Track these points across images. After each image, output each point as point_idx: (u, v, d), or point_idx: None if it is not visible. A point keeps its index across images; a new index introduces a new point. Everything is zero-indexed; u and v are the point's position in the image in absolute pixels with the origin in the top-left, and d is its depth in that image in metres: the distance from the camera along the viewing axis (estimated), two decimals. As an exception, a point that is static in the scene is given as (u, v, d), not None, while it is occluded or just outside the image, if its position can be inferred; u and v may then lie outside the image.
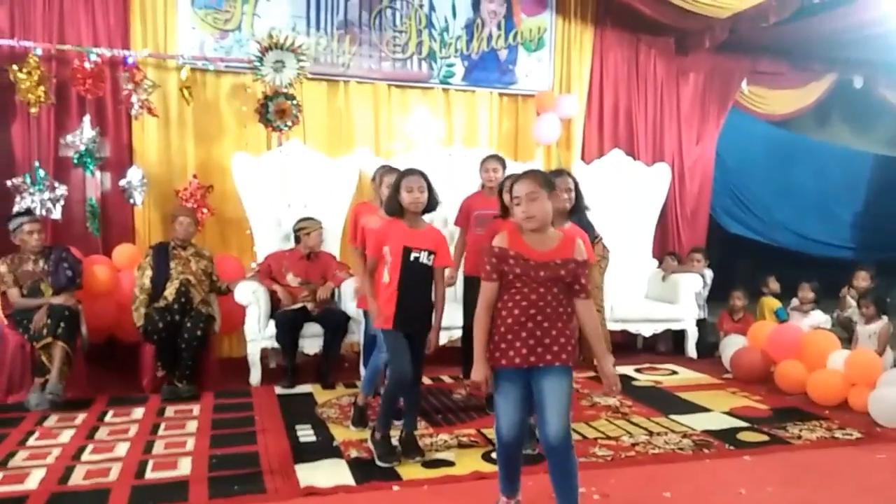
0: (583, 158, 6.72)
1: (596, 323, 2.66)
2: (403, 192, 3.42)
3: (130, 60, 5.43)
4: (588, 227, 3.93)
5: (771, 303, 6.26)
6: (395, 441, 3.55)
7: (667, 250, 6.80)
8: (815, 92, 7.51)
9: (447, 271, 3.85)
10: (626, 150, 6.74)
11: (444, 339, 5.01)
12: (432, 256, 3.47)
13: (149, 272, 4.92)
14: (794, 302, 5.99)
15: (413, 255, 3.42)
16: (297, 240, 5.32)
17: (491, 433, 3.82)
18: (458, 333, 4.90)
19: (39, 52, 5.19)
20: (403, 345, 3.45)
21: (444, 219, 5.41)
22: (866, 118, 8.24)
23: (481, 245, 4.40)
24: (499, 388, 2.64)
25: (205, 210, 5.59)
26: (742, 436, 3.96)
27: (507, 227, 2.72)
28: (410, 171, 3.50)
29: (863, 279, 6.07)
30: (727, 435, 3.96)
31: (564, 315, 2.60)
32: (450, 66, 6.42)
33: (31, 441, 3.80)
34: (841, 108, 8.20)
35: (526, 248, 2.59)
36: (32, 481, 3.21)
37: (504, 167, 4.70)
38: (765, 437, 3.93)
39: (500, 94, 6.65)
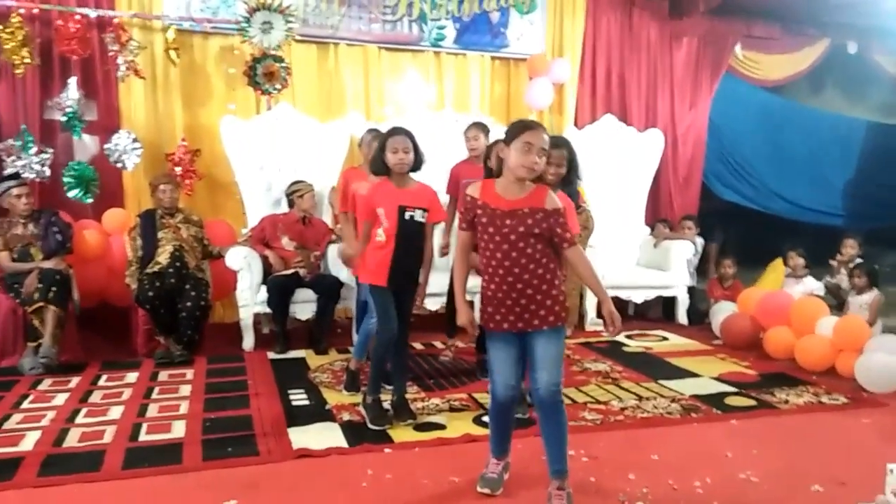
0: (575, 124, 6.69)
1: (589, 267, 2.66)
2: (389, 152, 3.41)
3: (115, 21, 5.33)
4: (572, 196, 3.91)
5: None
6: (386, 405, 3.58)
7: (658, 217, 6.82)
8: (809, 57, 7.46)
9: (438, 240, 3.86)
10: (618, 115, 6.71)
11: (436, 304, 5.04)
12: (426, 214, 3.47)
13: (139, 241, 4.90)
14: (787, 270, 6.04)
15: (408, 214, 3.42)
16: (291, 203, 5.29)
17: (482, 398, 3.87)
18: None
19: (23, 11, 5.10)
20: (391, 303, 3.48)
21: (434, 187, 5.38)
22: (860, 84, 8.19)
23: None
24: (492, 348, 2.67)
25: (192, 176, 5.54)
26: (730, 400, 4.01)
27: (486, 180, 2.73)
28: (395, 131, 3.48)
29: (850, 247, 6.10)
30: (715, 400, 4.01)
31: (548, 275, 2.59)
32: (441, 28, 6.34)
33: (26, 404, 3.81)
34: (835, 74, 8.14)
35: (496, 197, 2.61)
36: (28, 443, 3.23)
37: (486, 134, 4.70)
38: (752, 402, 3.98)
39: (492, 58, 6.59)
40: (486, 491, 2.75)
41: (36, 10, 5.21)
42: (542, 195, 2.61)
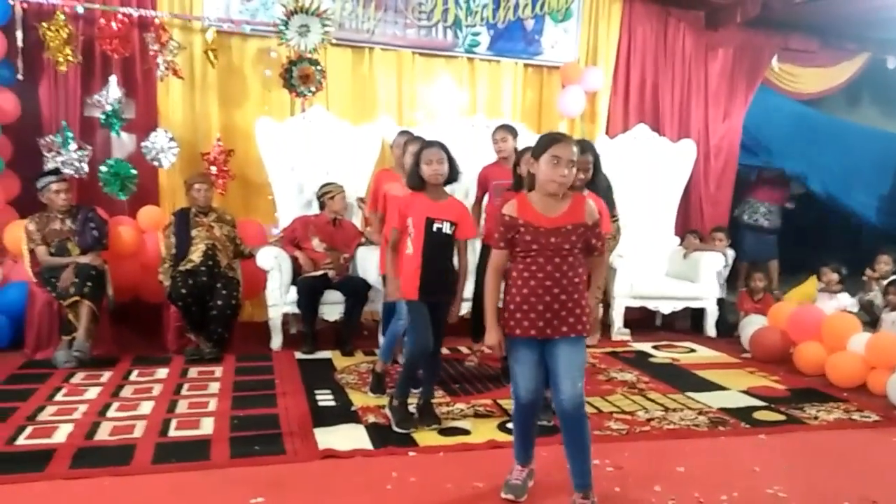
0: (607, 133, 6.67)
1: (603, 275, 2.73)
2: (423, 164, 3.43)
3: (157, 21, 5.44)
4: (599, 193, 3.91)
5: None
6: (412, 409, 3.59)
7: (689, 228, 6.76)
8: (846, 71, 7.38)
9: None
10: (651, 125, 6.67)
11: (462, 310, 5.04)
12: (454, 227, 3.48)
13: (172, 239, 4.97)
14: (820, 285, 5.95)
15: (436, 226, 3.43)
16: (322, 205, 5.34)
17: (507, 404, 3.86)
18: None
19: (80, 9, 5.21)
20: (426, 316, 3.48)
21: (465, 190, 5.40)
22: (898, 99, 8.07)
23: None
24: (514, 354, 2.68)
25: (225, 175, 5.62)
26: (758, 415, 3.96)
27: (517, 196, 2.72)
28: (430, 144, 3.51)
29: (885, 263, 6.01)
30: (743, 413, 3.96)
31: (581, 285, 2.62)
32: (475, 34, 6.36)
33: (59, 397, 3.89)
34: (872, 89, 8.04)
35: (535, 214, 2.61)
36: (60, 435, 3.30)
37: (514, 136, 4.71)
38: (781, 417, 3.93)
39: (525, 65, 6.60)
40: (511, 497, 2.75)
41: (80, 9, 5.33)
42: (581, 209, 2.63)
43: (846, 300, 5.67)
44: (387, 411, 3.60)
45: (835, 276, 5.78)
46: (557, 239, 2.58)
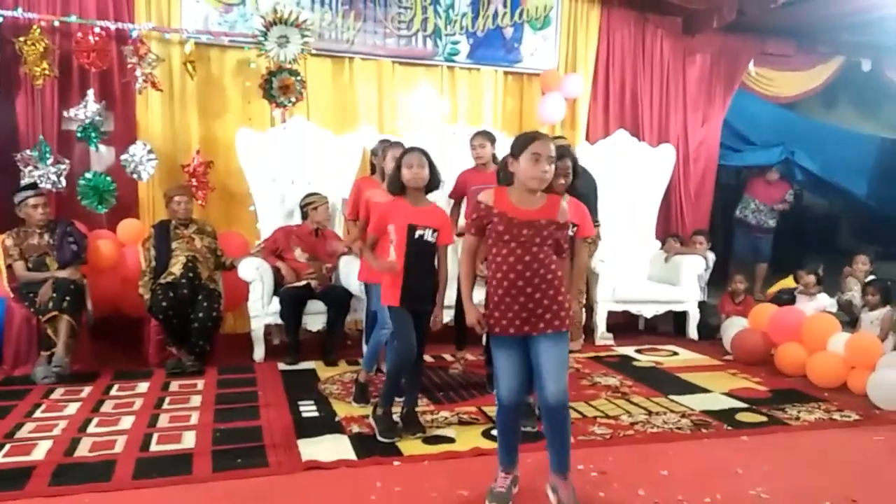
0: (587, 139, 6.70)
1: (581, 281, 2.74)
2: (404, 168, 3.44)
3: (134, 34, 5.41)
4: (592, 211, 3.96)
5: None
6: (396, 417, 3.59)
7: (670, 232, 6.81)
8: (822, 74, 7.45)
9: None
10: (631, 130, 6.71)
11: (446, 317, 5.04)
12: (436, 234, 3.48)
13: (152, 252, 4.94)
14: (798, 287, 6.01)
15: (417, 233, 3.43)
16: (305, 215, 5.33)
17: (491, 411, 3.87)
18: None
19: (57, 23, 5.17)
20: (409, 323, 3.48)
21: (448, 199, 5.41)
22: (874, 101, 8.18)
23: None
24: (497, 354, 2.72)
25: (206, 187, 5.59)
26: (741, 416, 3.99)
27: (496, 189, 2.76)
28: (411, 149, 3.52)
29: (862, 263, 6.09)
30: (726, 415, 3.99)
31: (556, 281, 2.67)
32: (455, 43, 6.38)
33: (38, 413, 3.85)
34: (848, 91, 8.14)
35: (511, 206, 2.67)
36: (39, 452, 3.26)
37: (493, 143, 4.74)
38: (763, 419, 3.96)
39: (505, 73, 6.62)
40: None
41: (56, 23, 5.29)
42: (555, 207, 2.71)
43: (825, 300, 5.73)
44: (371, 421, 3.59)
45: (811, 279, 5.85)
46: (529, 231, 2.63)
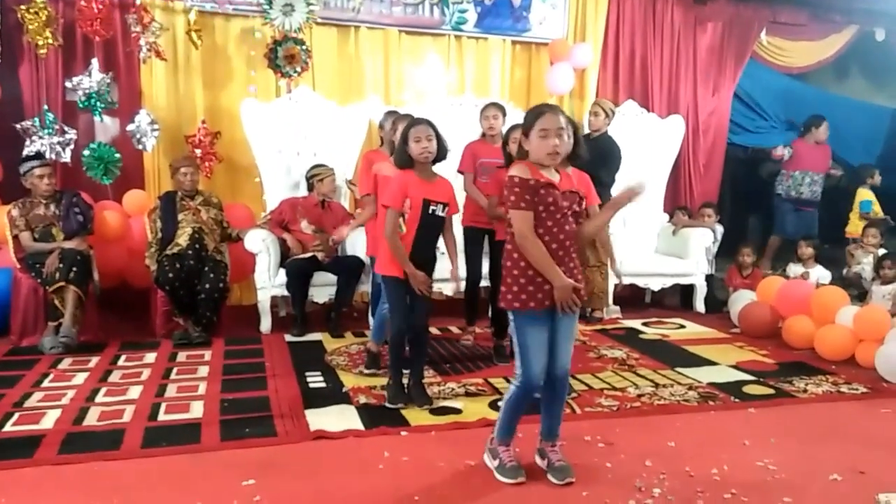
0: (596, 109, 6.61)
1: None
2: (412, 142, 3.38)
3: (138, 1, 5.34)
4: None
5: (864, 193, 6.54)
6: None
7: (678, 204, 6.76)
8: (835, 44, 7.34)
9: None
10: (640, 101, 6.64)
11: (452, 290, 5.03)
12: (447, 208, 3.47)
13: (158, 223, 4.92)
14: (795, 258, 6.01)
15: (431, 208, 3.41)
16: (311, 187, 5.29)
17: (498, 383, 3.88)
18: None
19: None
20: (403, 296, 3.47)
21: (454, 170, 5.36)
22: (886, 72, 8.05)
23: (486, 194, 4.39)
24: (528, 331, 2.65)
25: (211, 158, 5.56)
26: (748, 389, 3.98)
27: (522, 163, 2.66)
28: (417, 121, 3.45)
29: (872, 236, 6.05)
30: (733, 388, 3.98)
31: (576, 253, 2.70)
32: (462, 11, 6.28)
33: (46, 383, 3.87)
34: (861, 62, 8.01)
35: (548, 179, 2.62)
36: (48, 421, 3.28)
37: (504, 115, 4.66)
38: (770, 391, 3.95)
39: (513, 42, 6.53)
40: (521, 479, 2.73)
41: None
42: (570, 178, 2.72)
43: (822, 273, 5.75)
44: (384, 392, 3.62)
45: (810, 251, 5.84)
46: (566, 202, 2.63)
